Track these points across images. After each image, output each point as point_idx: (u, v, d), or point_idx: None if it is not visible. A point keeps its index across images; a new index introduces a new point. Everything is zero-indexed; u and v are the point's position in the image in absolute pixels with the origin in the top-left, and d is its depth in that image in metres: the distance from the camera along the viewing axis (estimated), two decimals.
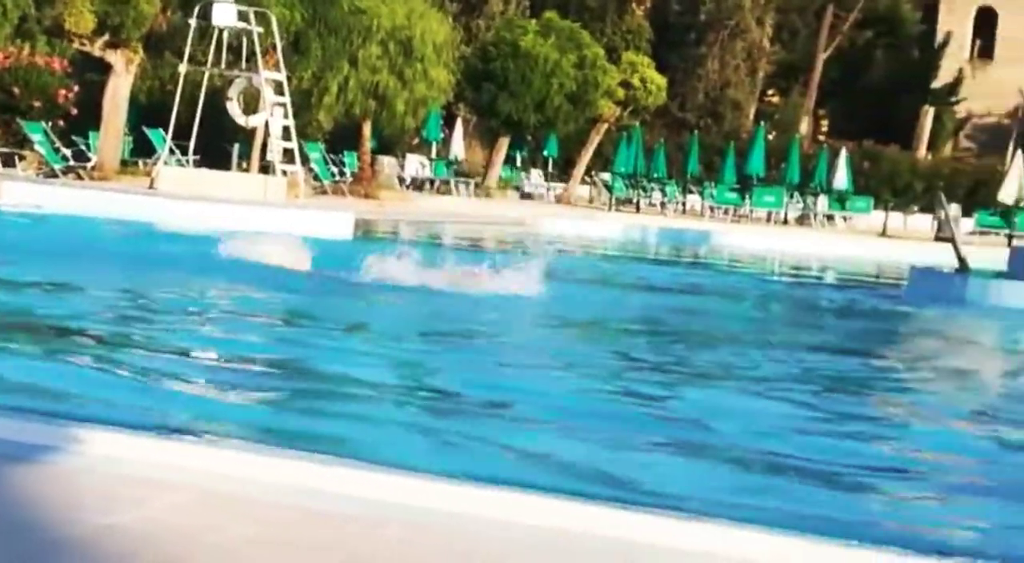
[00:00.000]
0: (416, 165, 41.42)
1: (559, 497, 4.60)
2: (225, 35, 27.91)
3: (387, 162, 39.67)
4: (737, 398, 8.67)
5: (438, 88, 33.66)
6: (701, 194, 41.35)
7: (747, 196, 40.60)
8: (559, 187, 43.05)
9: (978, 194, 44.44)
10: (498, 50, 38.88)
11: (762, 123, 46.23)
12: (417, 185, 40.67)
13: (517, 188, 43.10)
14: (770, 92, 57.55)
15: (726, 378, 9.56)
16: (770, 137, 46.17)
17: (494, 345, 10.37)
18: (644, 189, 41.69)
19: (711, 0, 51.41)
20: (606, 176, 43.06)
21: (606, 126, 41.72)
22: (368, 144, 35.15)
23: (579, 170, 42.53)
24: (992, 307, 17.30)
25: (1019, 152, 39.50)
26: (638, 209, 40.75)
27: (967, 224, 38.71)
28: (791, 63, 56.22)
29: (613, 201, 41.43)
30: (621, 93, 40.28)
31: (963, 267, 18.85)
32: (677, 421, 7.67)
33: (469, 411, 7.43)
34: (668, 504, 5.04)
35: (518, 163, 44.71)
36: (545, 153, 44.36)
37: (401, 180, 40.07)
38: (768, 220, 40.41)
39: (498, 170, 41.33)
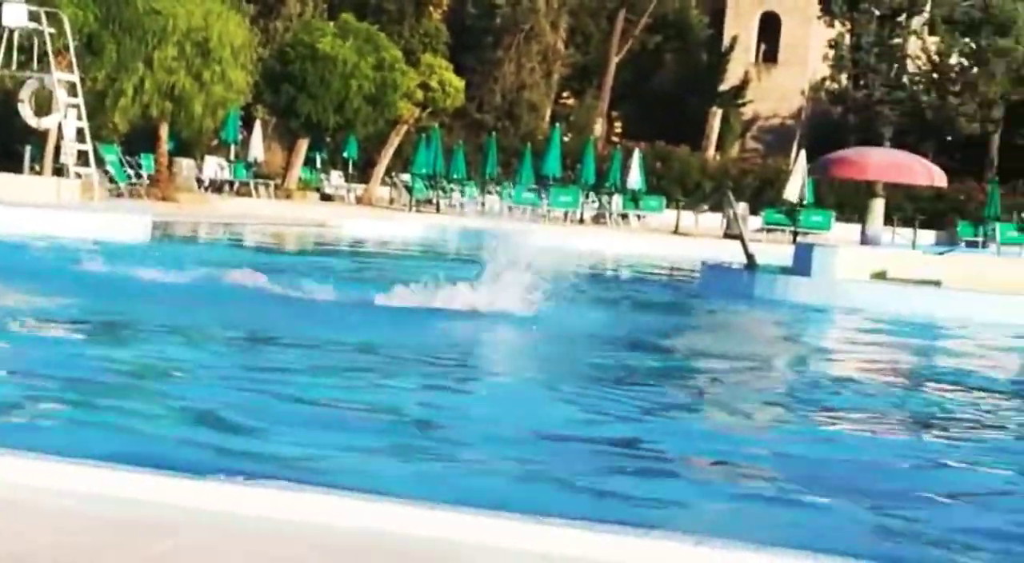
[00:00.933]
0: (215, 167, 41.09)
1: None
2: (16, 36, 27.39)
3: (185, 164, 39.28)
4: (520, 391, 9.05)
5: (236, 90, 33.53)
6: (500, 194, 41.92)
7: (544, 196, 41.34)
8: (359, 188, 43.18)
9: (765, 193, 45.99)
10: (296, 52, 38.85)
11: (558, 125, 47.09)
12: (216, 187, 40.35)
13: (317, 190, 43.09)
14: (565, 94, 58.54)
15: (501, 374, 9.96)
16: (566, 138, 47.06)
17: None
18: (444, 190, 42.12)
19: (507, 4, 52.11)
20: (406, 177, 43.37)
21: (405, 128, 42.01)
22: (165, 146, 34.80)
23: (379, 171, 42.73)
24: (778, 301, 18.11)
25: (803, 152, 41.06)
26: (438, 209, 41.15)
27: (755, 222, 40.07)
28: (585, 66, 57.29)
29: (413, 202, 41.76)
30: (420, 95, 40.61)
31: (751, 263, 19.69)
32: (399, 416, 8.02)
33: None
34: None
35: (318, 164, 44.69)
36: (345, 154, 44.44)
37: (200, 182, 39.71)
38: (565, 219, 41.22)
39: (298, 172, 41.27)
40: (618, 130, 60.46)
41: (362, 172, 44.50)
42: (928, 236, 43.20)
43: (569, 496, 5.90)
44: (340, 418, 7.37)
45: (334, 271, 17.08)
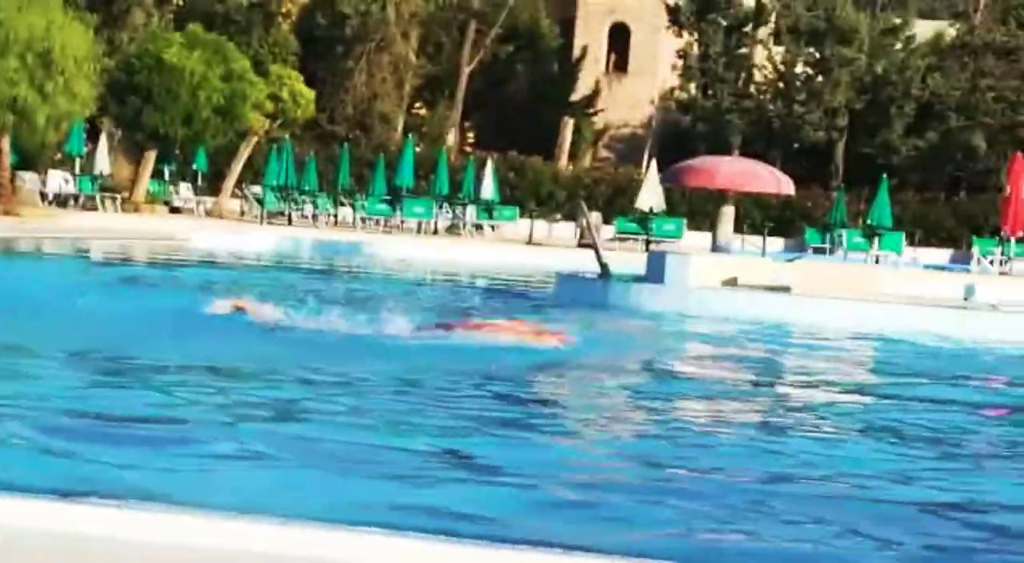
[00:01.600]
0: (59, 180, 40.13)
1: None
2: None
3: (28, 178, 38.32)
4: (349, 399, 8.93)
5: (81, 102, 32.81)
6: (352, 206, 41.63)
7: (397, 207, 41.16)
8: (209, 201, 42.52)
9: (617, 202, 46.35)
10: (142, 63, 38.16)
11: (410, 135, 46.93)
12: (61, 201, 39.42)
13: (166, 203, 42.34)
14: (417, 105, 58.39)
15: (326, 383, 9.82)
16: (418, 149, 46.91)
17: None
18: (296, 202, 41.67)
19: (356, 15, 51.81)
20: (257, 189, 42.82)
21: (255, 139, 41.50)
22: (7, 159, 33.90)
23: (229, 183, 42.14)
24: (632, 309, 18.20)
25: (654, 161, 41.49)
26: (290, 222, 40.70)
27: (608, 231, 40.39)
28: (437, 76, 57.21)
29: (265, 214, 41.24)
30: (270, 106, 40.18)
31: (605, 272, 19.76)
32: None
33: None
34: None
35: (166, 177, 43.92)
36: (194, 167, 43.74)
37: (43, 196, 38.78)
38: (419, 230, 41.08)
39: (145, 184, 40.51)
40: (471, 140, 60.49)
41: (211, 184, 43.85)
42: (777, 243, 43.91)
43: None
44: None
45: (178, 282, 16.71)
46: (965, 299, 21.27)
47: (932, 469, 8.11)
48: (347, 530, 4.30)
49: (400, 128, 53.45)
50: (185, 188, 43.95)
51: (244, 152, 41.44)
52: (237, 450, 6.87)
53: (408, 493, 6.19)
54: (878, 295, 19.44)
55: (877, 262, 38.71)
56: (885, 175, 42.16)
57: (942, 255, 45.55)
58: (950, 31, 53.63)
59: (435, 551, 4.16)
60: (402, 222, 41.15)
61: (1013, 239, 35.17)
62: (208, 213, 41.58)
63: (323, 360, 10.50)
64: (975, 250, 40.34)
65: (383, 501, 5.96)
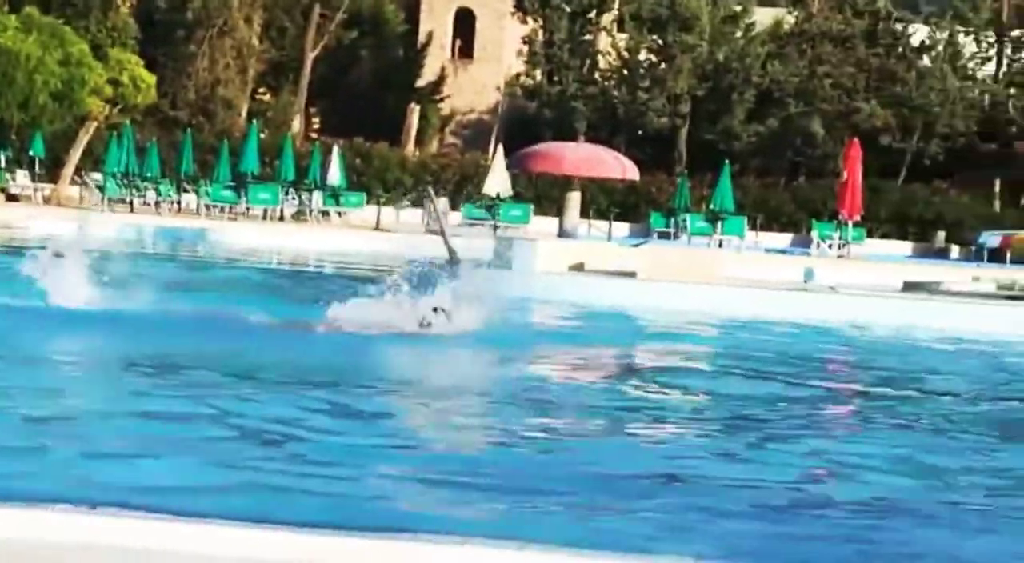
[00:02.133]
0: None
1: None
2: None
3: None
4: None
5: None
6: (196, 192, 41.02)
7: (243, 194, 40.66)
8: (48, 188, 41.53)
9: (464, 188, 46.43)
10: None
11: (255, 121, 46.37)
12: None
13: (3, 190, 41.24)
14: (262, 90, 57.73)
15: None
16: (263, 135, 46.40)
17: None
18: (138, 188, 40.90)
19: None
20: (97, 176, 41.92)
21: (95, 125, 40.62)
22: None
23: (68, 170, 41.21)
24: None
25: (500, 147, 41.62)
26: (132, 208, 39.94)
27: (455, 217, 40.40)
28: (281, 62, 56.64)
29: (106, 201, 40.39)
30: (109, 91, 39.37)
31: (452, 259, 19.75)
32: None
33: None
34: None
35: (2, 164, 42.77)
36: (31, 153, 42.66)
37: None
38: (264, 217, 40.64)
39: None
40: (316, 126, 60.02)
41: (50, 171, 42.83)
42: (623, 228, 44.40)
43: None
44: None
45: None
46: (805, 282, 21.75)
47: (752, 446, 8.23)
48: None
49: (244, 114, 52.78)
50: (22, 175, 42.85)
51: (83, 138, 40.54)
52: None
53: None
54: (721, 279, 19.77)
55: (720, 246, 39.39)
56: (727, 161, 42.90)
57: (783, 239, 46.54)
58: (789, 19, 54.67)
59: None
60: (248, 209, 40.67)
61: (850, 223, 36.06)
62: (47, 200, 40.62)
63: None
64: (814, 234, 41.26)
65: None
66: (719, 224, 41.76)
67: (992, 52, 53.20)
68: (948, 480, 7.50)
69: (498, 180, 39.94)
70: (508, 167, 39.09)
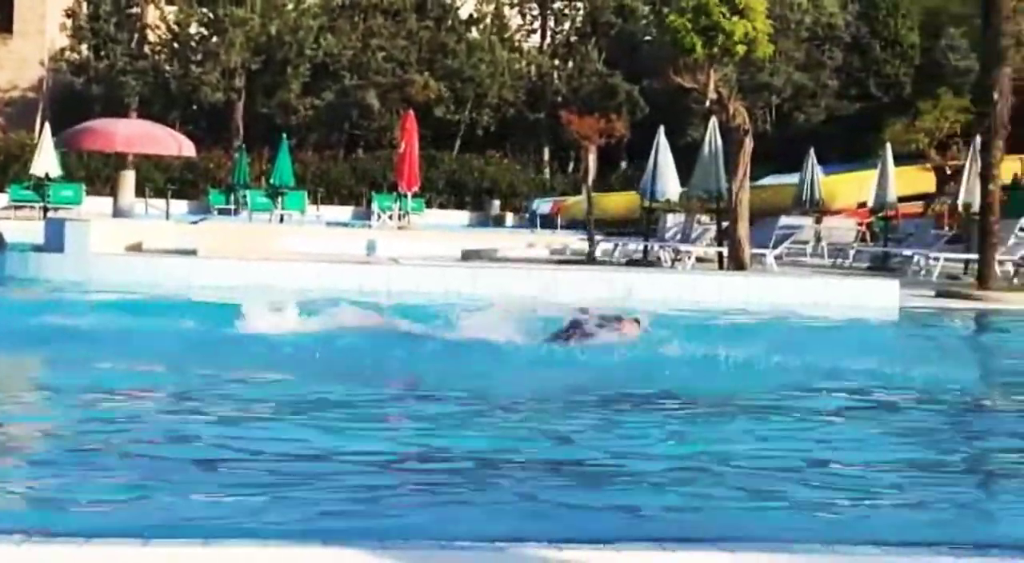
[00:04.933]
0: None
1: None
2: None
3: None
4: None
5: None
6: None
7: None
8: None
9: (10, 169, 44.23)
10: None
11: None
12: None
13: None
14: None
15: None
16: None
17: None
18: None
19: None
20: None
21: None
22: None
23: None
24: (32, 280, 17.38)
25: (47, 125, 39.78)
26: None
27: (1, 199, 38.41)
28: None
29: None
30: None
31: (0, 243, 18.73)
32: None
33: None
34: None
35: None
36: None
37: None
38: None
39: None
40: None
41: None
42: (181, 206, 43.46)
43: None
44: None
45: None
46: (368, 254, 21.89)
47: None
48: None
49: None
50: None
51: None
52: None
53: None
54: (284, 254, 19.61)
55: (282, 221, 39.18)
56: (285, 135, 42.63)
57: (344, 212, 46.77)
58: None
59: None
60: None
61: (409, 194, 36.60)
62: None
63: None
64: (375, 206, 41.67)
65: None
66: (280, 199, 41.52)
67: (537, 24, 55.16)
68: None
69: (46, 160, 38.15)
70: (56, 146, 37.42)
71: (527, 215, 46.80)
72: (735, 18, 21.83)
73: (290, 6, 51.65)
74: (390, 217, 38.32)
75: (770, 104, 50.55)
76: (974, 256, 23.00)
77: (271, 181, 42.02)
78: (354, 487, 6.32)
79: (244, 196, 41.81)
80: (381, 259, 20.12)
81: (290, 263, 18.17)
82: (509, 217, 48.49)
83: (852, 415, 9.39)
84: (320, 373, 10.15)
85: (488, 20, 53.71)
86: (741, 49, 22.12)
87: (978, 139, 24.61)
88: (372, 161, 50.25)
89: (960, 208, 30.08)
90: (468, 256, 25.40)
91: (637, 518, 6.04)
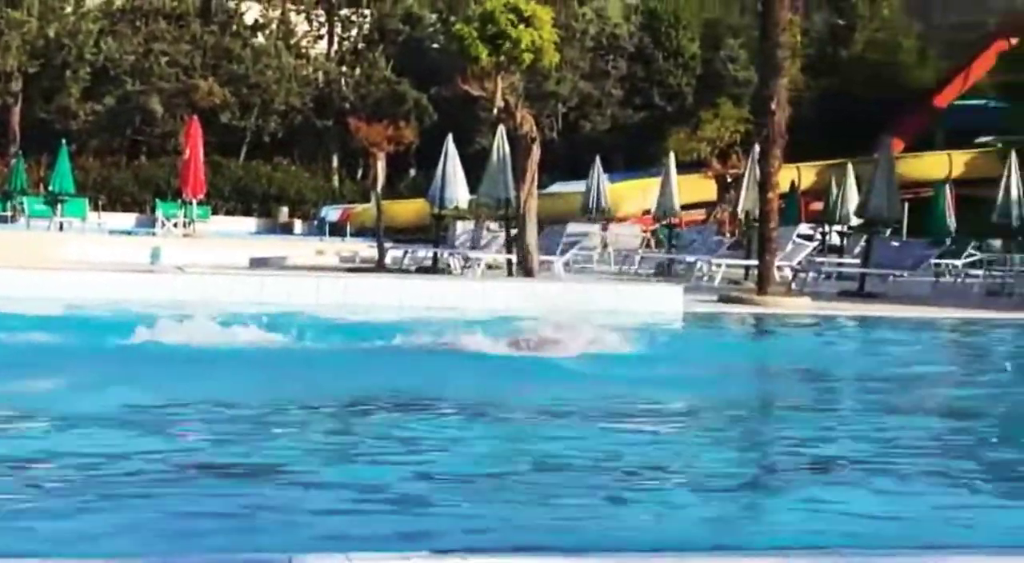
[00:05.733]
0: None
1: None
2: None
3: None
4: None
5: None
6: None
7: None
8: None
9: None
10: None
11: None
12: None
13: None
14: None
15: None
16: None
17: None
18: None
19: None
20: None
21: None
22: None
23: None
24: None
25: None
26: None
27: None
28: None
29: None
30: None
31: None
32: None
33: None
34: None
35: None
36: None
37: None
38: None
39: None
40: None
41: None
42: None
43: None
44: None
45: None
46: (152, 263, 21.44)
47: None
48: None
49: None
50: None
51: None
52: None
53: None
54: (63, 263, 19.06)
55: (62, 229, 38.09)
56: (64, 140, 41.45)
57: (128, 219, 45.71)
58: None
59: None
60: None
61: (194, 201, 35.99)
62: None
63: None
64: (159, 213, 40.83)
65: None
66: (59, 206, 40.34)
67: (324, 31, 54.76)
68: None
69: None
70: None
71: (316, 223, 46.45)
72: (521, 27, 22.05)
73: (68, 9, 50.27)
74: (175, 225, 37.57)
75: (557, 112, 51.16)
76: (754, 262, 23.65)
77: (50, 188, 40.78)
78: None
79: (21, 203, 40.50)
80: (166, 268, 19.71)
81: (70, 273, 17.67)
82: (298, 225, 48.06)
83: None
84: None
85: (274, 26, 53.13)
86: (528, 57, 22.36)
87: (756, 148, 25.27)
88: (156, 167, 49.24)
89: (740, 215, 30.89)
90: (256, 264, 25.11)
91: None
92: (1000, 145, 31.32)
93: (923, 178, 39.79)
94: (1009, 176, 26.57)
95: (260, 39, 52.69)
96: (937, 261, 27.31)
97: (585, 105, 51.58)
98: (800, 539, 5.88)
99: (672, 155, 33.23)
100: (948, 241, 30.74)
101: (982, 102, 45.88)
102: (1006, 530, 6.42)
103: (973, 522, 6.64)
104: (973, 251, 29.58)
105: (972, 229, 32.21)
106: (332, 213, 45.54)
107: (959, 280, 27.50)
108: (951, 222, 34.66)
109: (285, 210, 49.45)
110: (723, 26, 53.81)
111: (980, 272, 26.79)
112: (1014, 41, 47.90)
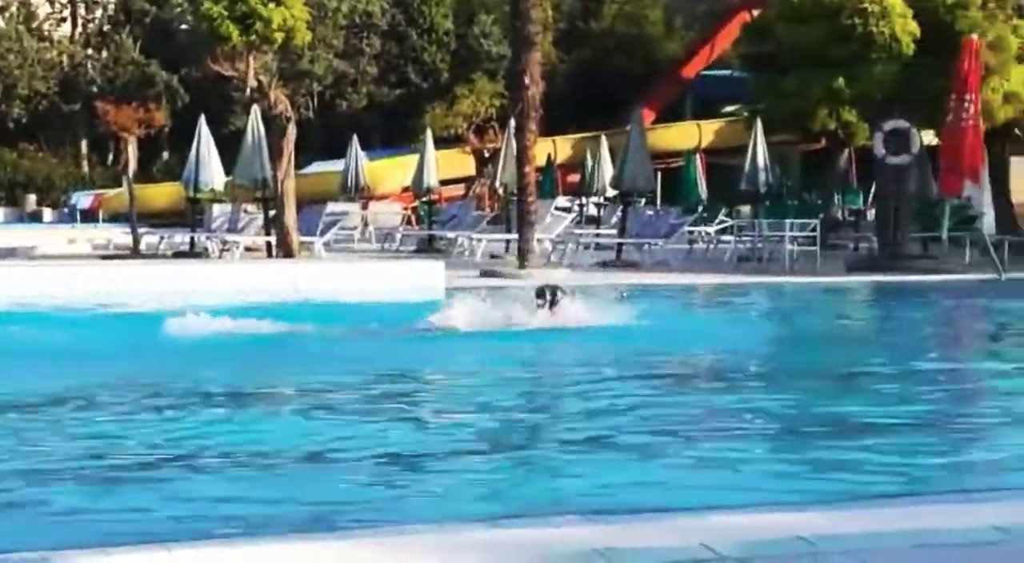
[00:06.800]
0: None
1: None
2: None
3: None
4: None
5: None
6: None
7: None
8: None
9: None
10: None
11: None
12: None
13: None
14: None
15: None
16: None
17: None
18: None
19: None
20: None
21: None
22: None
23: None
24: None
25: None
26: None
27: None
28: None
29: None
30: None
31: None
32: None
33: None
34: None
35: None
36: None
37: None
38: None
39: None
40: None
41: None
42: None
43: None
44: None
45: None
46: None
47: None
48: None
49: None
50: None
51: None
52: None
53: None
54: None
55: None
56: None
57: None
58: None
59: None
60: None
61: None
62: None
63: None
64: None
65: None
66: None
67: (67, 13, 53.03)
68: None
69: None
70: None
71: (67, 210, 45.06)
72: (272, 5, 21.76)
73: None
74: None
75: (312, 91, 50.65)
76: (514, 236, 23.89)
77: None
78: None
79: None
80: None
81: None
82: (47, 213, 46.53)
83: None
84: None
85: (14, 8, 51.21)
86: (279, 36, 22.09)
87: (512, 122, 25.49)
88: None
89: (499, 189, 31.14)
90: (3, 255, 24.26)
91: None
92: (745, 114, 32.26)
93: (674, 148, 40.71)
94: (755, 144, 27.39)
95: (0, 23, 50.74)
96: (691, 229, 28.02)
97: (340, 84, 51.20)
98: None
99: (429, 131, 33.26)
100: (700, 209, 31.59)
101: (727, 73, 47.20)
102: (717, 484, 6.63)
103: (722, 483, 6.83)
104: (724, 218, 30.43)
105: (723, 196, 33.16)
106: (83, 200, 44.25)
107: (712, 246, 28.26)
108: (702, 190, 35.64)
109: (33, 198, 47.85)
110: (476, 2, 54.05)
111: (731, 238, 27.58)
112: (755, 13, 49.36)
